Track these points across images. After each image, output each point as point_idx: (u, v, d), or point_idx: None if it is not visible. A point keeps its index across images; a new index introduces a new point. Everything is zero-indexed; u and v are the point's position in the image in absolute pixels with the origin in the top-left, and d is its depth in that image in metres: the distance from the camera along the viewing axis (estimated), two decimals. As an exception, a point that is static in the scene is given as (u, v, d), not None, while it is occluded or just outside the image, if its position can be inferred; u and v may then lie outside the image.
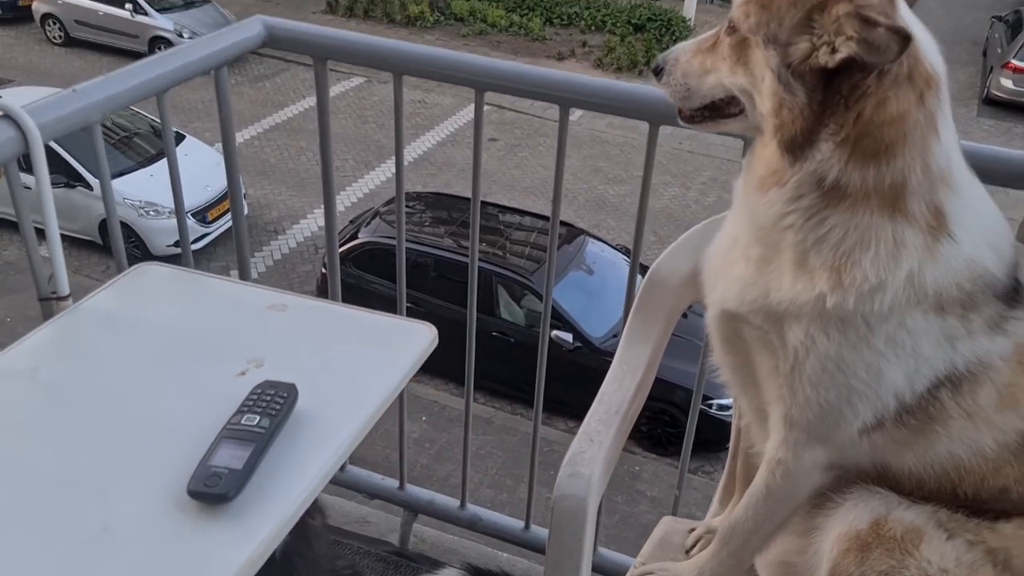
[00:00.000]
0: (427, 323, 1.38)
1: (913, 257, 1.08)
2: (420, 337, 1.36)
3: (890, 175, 1.05)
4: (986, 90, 14.59)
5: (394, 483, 2.33)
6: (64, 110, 1.47)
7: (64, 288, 1.46)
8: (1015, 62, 14.07)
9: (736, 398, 1.43)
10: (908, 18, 1.06)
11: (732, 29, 1.13)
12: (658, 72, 1.25)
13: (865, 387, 1.13)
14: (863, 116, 1.03)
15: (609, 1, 17.38)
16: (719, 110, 1.21)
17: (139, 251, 9.41)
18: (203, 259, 9.69)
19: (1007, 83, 14.15)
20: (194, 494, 1.03)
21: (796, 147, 1.06)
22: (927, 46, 1.07)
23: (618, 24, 16.38)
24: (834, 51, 1.01)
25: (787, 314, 1.13)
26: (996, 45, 15.31)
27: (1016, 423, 1.15)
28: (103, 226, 9.27)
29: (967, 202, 1.11)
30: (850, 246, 1.08)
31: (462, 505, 2.28)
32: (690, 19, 16.79)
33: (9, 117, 1.39)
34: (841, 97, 1.03)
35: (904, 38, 0.97)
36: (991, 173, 1.45)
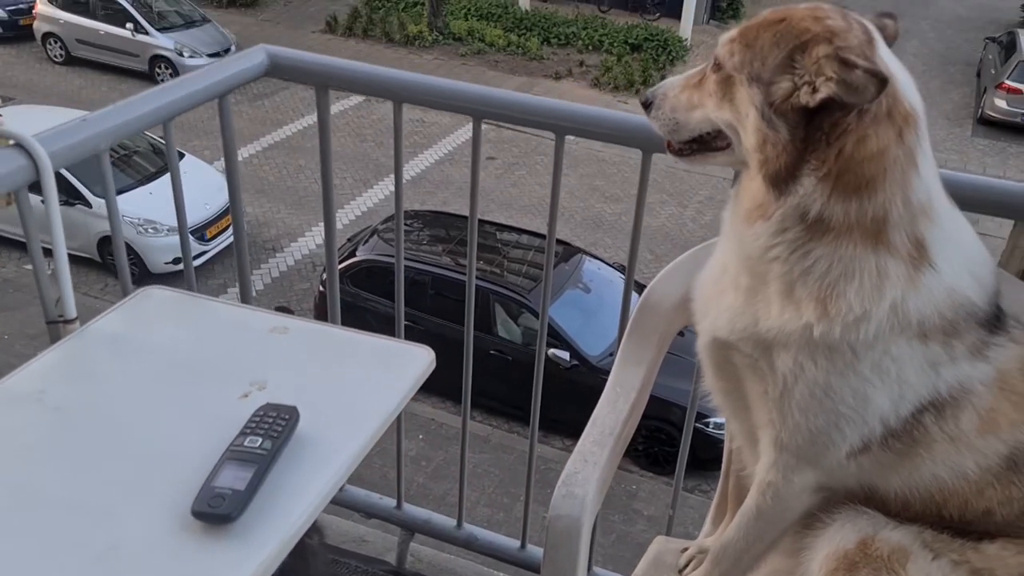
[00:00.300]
0: (425, 346, 1.41)
1: (896, 287, 1.11)
2: (418, 360, 1.40)
3: (872, 208, 1.09)
4: (980, 110, 14.72)
5: (391, 502, 2.35)
6: (74, 139, 1.51)
7: (71, 311, 1.49)
8: (1009, 83, 14.21)
9: (728, 421, 1.47)
10: (887, 58, 1.11)
11: (717, 66, 1.17)
12: (647, 105, 1.28)
13: (852, 412, 1.16)
14: (844, 152, 1.07)
15: (606, 21, 17.53)
16: (706, 144, 1.25)
17: (137, 268, 9.43)
18: (201, 276, 9.72)
19: (1001, 103, 14.28)
20: (198, 515, 1.06)
21: (780, 181, 1.10)
22: (905, 85, 1.11)
23: (615, 44, 16.51)
24: (815, 91, 1.05)
25: (775, 342, 1.17)
26: (990, 66, 15.45)
27: (997, 447, 1.18)
28: (102, 244, 9.30)
29: (947, 233, 1.15)
30: (835, 277, 1.12)
31: (459, 524, 2.30)
32: (686, 39, 16.92)
33: (20, 146, 1.43)
34: (823, 134, 1.07)
35: (881, 80, 1.01)
36: (979, 203, 1.49)
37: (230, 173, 1.96)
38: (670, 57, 16.25)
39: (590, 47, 16.69)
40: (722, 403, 1.38)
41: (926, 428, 1.17)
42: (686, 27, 17.10)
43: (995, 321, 1.19)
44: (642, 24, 17.34)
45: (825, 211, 1.09)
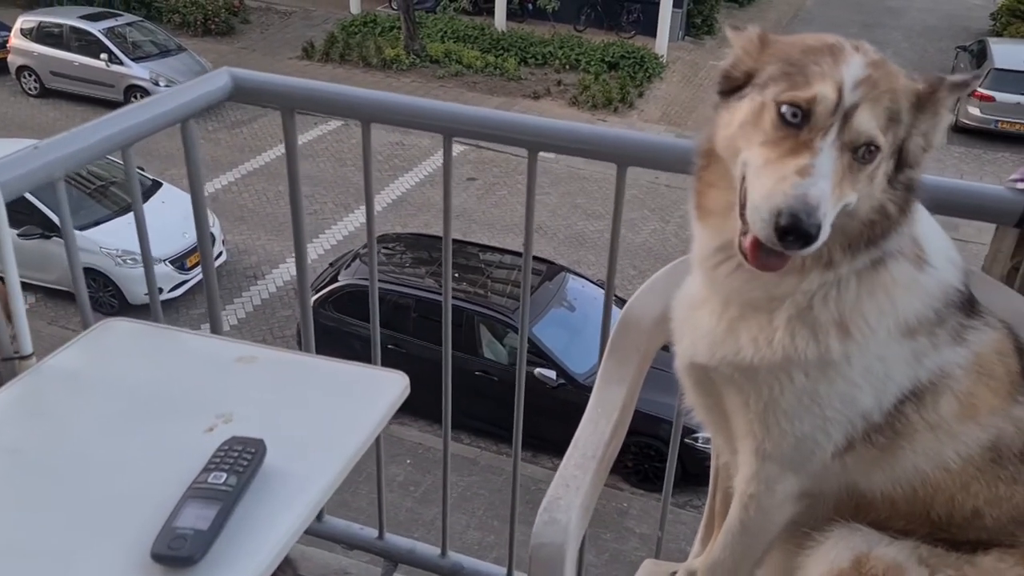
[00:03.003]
0: (399, 372, 1.37)
1: (907, 294, 1.11)
2: (392, 386, 1.35)
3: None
4: (955, 118, 14.89)
5: (373, 532, 2.29)
6: (25, 167, 1.45)
7: (27, 347, 1.44)
8: (981, 90, 14.38)
9: (712, 437, 1.43)
10: None
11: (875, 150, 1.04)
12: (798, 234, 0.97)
13: (838, 415, 1.14)
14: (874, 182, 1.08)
15: (582, 40, 17.62)
16: None
17: (117, 300, 9.32)
18: (182, 306, 9.62)
19: (975, 111, 14.45)
20: (158, 558, 1.01)
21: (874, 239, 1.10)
22: None
23: (592, 63, 16.59)
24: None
25: (764, 367, 1.14)
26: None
27: (977, 434, 1.16)
28: (80, 276, 9.19)
29: (926, 225, 1.16)
30: (854, 297, 1.10)
31: (443, 553, 2.24)
32: (662, 56, 17.04)
33: (-30, 176, 1.38)
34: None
35: None
36: (960, 208, 1.47)
37: (196, 202, 1.91)
38: (647, 74, 16.34)
39: (567, 66, 16.77)
40: (704, 418, 1.36)
41: (907, 418, 1.15)
42: (662, 44, 17.22)
43: (970, 304, 1.19)
44: (618, 42, 17.44)
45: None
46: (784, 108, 1.01)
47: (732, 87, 1.12)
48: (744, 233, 1.03)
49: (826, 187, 0.97)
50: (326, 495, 1.17)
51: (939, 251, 1.16)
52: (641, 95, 15.79)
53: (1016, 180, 1.42)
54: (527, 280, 1.88)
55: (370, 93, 1.80)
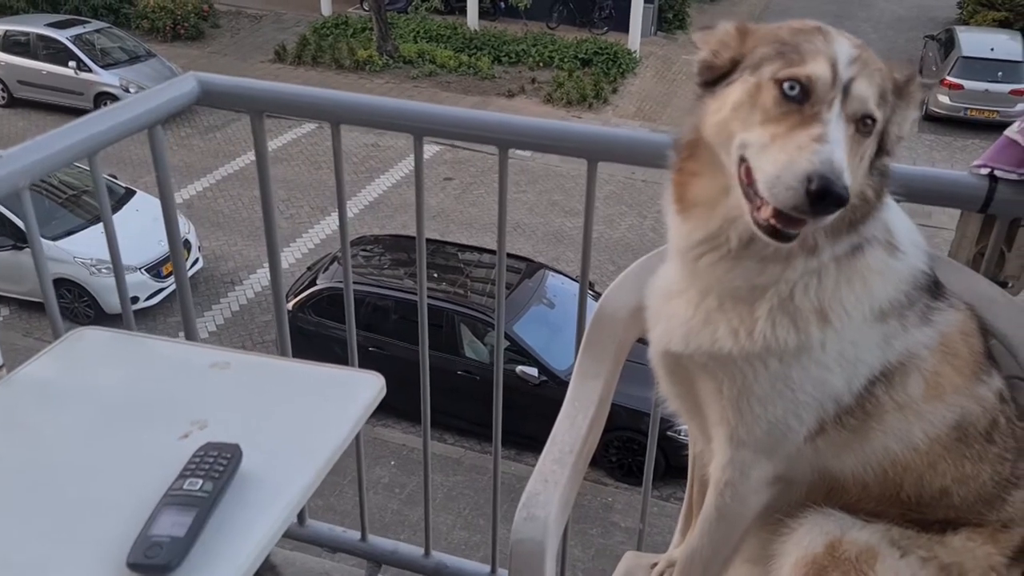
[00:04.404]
0: (375, 372, 1.37)
1: (882, 281, 1.13)
2: (367, 387, 1.35)
3: (861, 212, 1.11)
4: (925, 107, 15.05)
5: (356, 535, 2.28)
6: (-11, 176, 1.44)
7: (-3, 358, 1.42)
8: (950, 78, 14.54)
9: (688, 426, 1.44)
10: None
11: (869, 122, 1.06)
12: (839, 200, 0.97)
13: (810, 398, 1.16)
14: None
15: (555, 38, 17.63)
16: None
17: (92, 310, 9.22)
18: (159, 314, 9.53)
19: (944, 99, 14.61)
20: (134, 567, 1.01)
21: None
22: None
23: (565, 60, 16.62)
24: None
25: (741, 356, 1.15)
26: (931, 63, 15.81)
27: (943, 413, 1.19)
28: (56, 286, 9.04)
29: (893, 211, 1.17)
30: (833, 285, 1.12)
31: (426, 553, 2.24)
32: (635, 51, 17.09)
33: (-68, 187, 1.36)
34: None
35: None
36: (922, 193, 1.49)
37: (165, 205, 1.90)
38: (620, 70, 16.39)
39: (541, 64, 16.78)
40: (678, 407, 1.37)
41: (877, 399, 1.17)
42: (634, 40, 17.27)
43: (935, 286, 1.21)
44: (591, 39, 17.47)
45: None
46: (785, 85, 1.02)
47: (716, 76, 1.12)
48: (758, 208, 1.01)
49: (843, 154, 0.98)
50: (303, 498, 1.17)
51: (906, 236, 1.18)
52: (615, 91, 15.83)
53: (979, 166, 1.44)
54: (501, 276, 1.88)
55: (338, 94, 1.80)
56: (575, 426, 1.51)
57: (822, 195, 0.93)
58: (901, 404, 1.18)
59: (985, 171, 1.42)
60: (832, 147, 0.96)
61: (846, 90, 1.01)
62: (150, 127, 1.73)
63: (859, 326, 1.13)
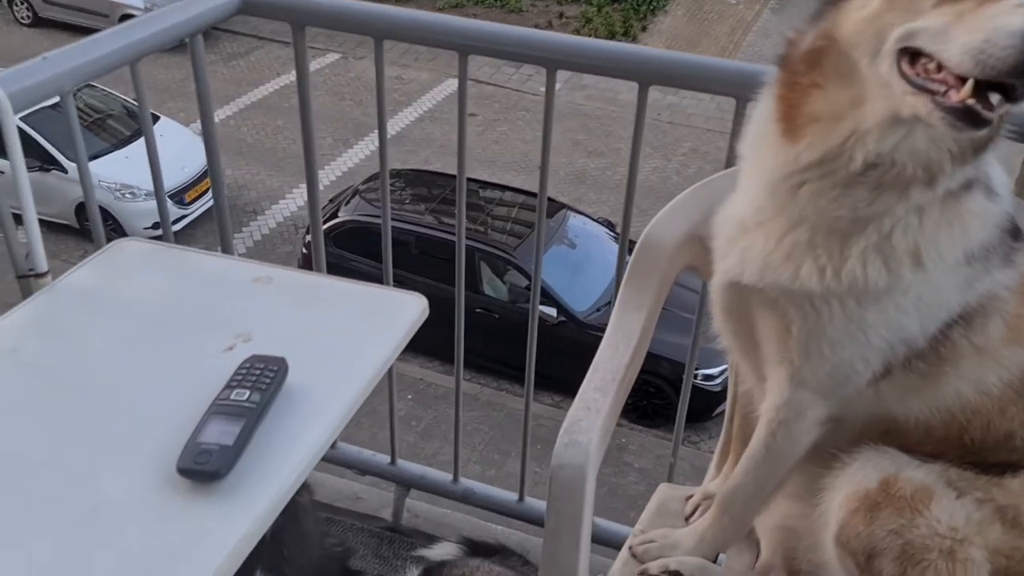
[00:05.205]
0: (417, 294, 1.35)
1: (979, 225, 1.08)
2: (410, 307, 1.33)
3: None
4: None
5: (385, 459, 2.30)
6: (35, 79, 1.41)
7: (42, 265, 1.41)
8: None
9: (737, 364, 1.41)
10: None
11: None
12: None
13: (882, 341, 1.12)
14: None
15: (586, -29, 17.22)
16: None
17: (117, 234, 9.18)
18: (182, 241, 9.41)
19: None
20: (184, 472, 1.00)
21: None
22: None
23: (595, -6, 16.25)
24: None
25: (820, 295, 1.11)
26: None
27: (1020, 358, 1.15)
28: (79, 209, 9.12)
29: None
30: (932, 227, 1.07)
31: (455, 479, 2.26)
32: (667, -12, 16.66)
33: (-24, 88, 1.33)
34: None
35: None
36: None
37: (205, 121, 1.86)
38: (651, 7, 15.99)
39: (570, -2, 16.42)
40: (731, 344, 1.33)
41: (953, 342, 1.13)
42: (667, -24, 16.83)
43: (1017, 229, 1.16)
44: (622, -26, 17.04)
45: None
46: None
47: None
48: (944, 94, 0.93)
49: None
50: (349, 414, 1.16)
51: (1000, 179, 1.13)
52: (644, 29, 15.48)
53: None
54: (542, 208, 1.84)
55: (383, 8, 1.74)
56: (618, 355, 1.48)
57: None
58: (979, 348, 1.13)
59: None
60: None
61: None
62: (190, 36, 1.69)
63: (948, 270, 1.09)
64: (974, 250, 1.09)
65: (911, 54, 0.96)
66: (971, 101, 0.91)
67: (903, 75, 0.97)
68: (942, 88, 0.94)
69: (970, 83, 0.91)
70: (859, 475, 1.15)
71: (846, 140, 1.04)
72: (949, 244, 1.08)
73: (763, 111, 1.15)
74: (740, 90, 1.54)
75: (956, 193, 1.06)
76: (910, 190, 1.04)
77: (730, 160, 1.66)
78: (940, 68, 0.94)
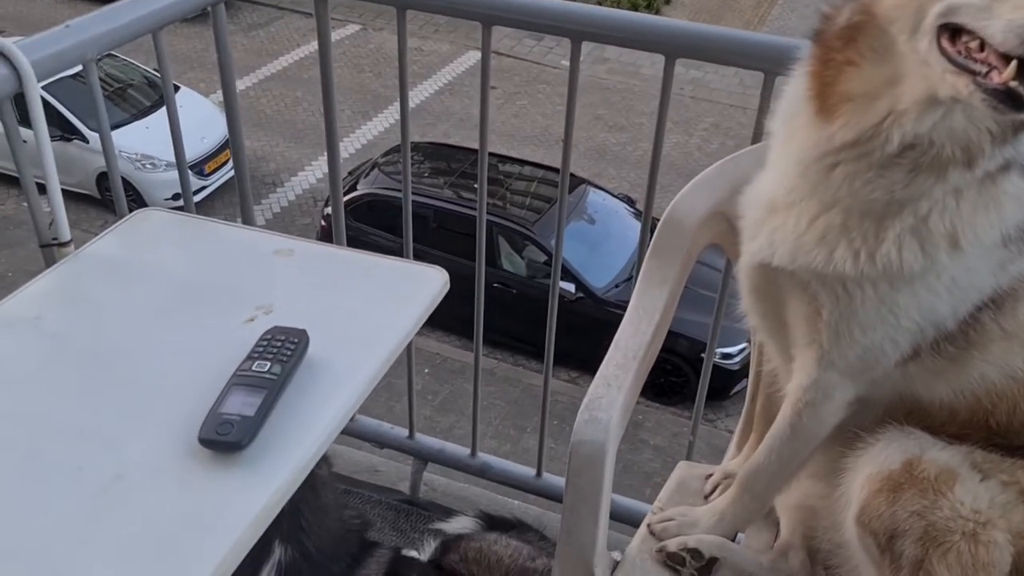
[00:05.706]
0: (438, 267, 1.35)
1: (1016, 207, 1.05)
2: (431, 281, 1.33)
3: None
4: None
5: (403, 432, 2.31)
6: (59, 46, 1.40)
7: (65, 234, 1.42)
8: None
9: (763, 343, 1.40)
10: None
11: None
12: None
13: (912, 324, 1.10)
14: None
15: (608, -56, 16.99)
16: None
17: (137, 205, 9.21)
18: (201, 212, 9.55)
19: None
20: (205, 442, 1.01)
21: None
22: None
23: (618, -33, 16.04)
24: None
25: (852, 278, 1.08)
26: None
27: None
28: (100, 179, 9.17)
29: None
30: (969, 209, 1.04)
31: (472, 453, 2.26)
32: (691, -38, 16.41)
33: (1, 54, 1.33)
34: None
35: None
36: None
37: (226, 90, 1.86)
38: (675, -19, 15.80)
39: (592, -29, 16.23)
40: (759, 324, 1.31)
41: (983, 326, 1.10)
42: (691, -51, 16.59)
43: None
44: (646, -54, 16.80)
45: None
46: None
47: None
48: (985, 75, 0.90)
49: None
50: (369, 388, 1.16)
51: None
52: (668, 1, 15.29)
53: None
54: (565, 179, 1.83)
55: (407, -25, 1.71)
56: (639, 332, 1.47)
57: None
58: (1008, 332, 1.11)
59: None
60: None
61: None
62: (213, 5, 1.68)
63: (983, 252, 1.06)
64: (1010, 232, 1.06)
65: (952, 31, 0.93)
66: (1014, 83, 0.88)
67: (943, 52, 0.93)
68: (984, 68, 0.90)
69: (1013, 64, 0.88)
70: (882, 455, 1.14)
71: (882, 120, 1.01)
72: (986, 226, 1.04)
73: (796, 88, 1.12)
74: (769, 64, 1.51)
75: (993, 174, 1.03)
76: (948, 172, 1.01)
77: (756, 136, 1.63)
78: (982, 47, 0.90)
